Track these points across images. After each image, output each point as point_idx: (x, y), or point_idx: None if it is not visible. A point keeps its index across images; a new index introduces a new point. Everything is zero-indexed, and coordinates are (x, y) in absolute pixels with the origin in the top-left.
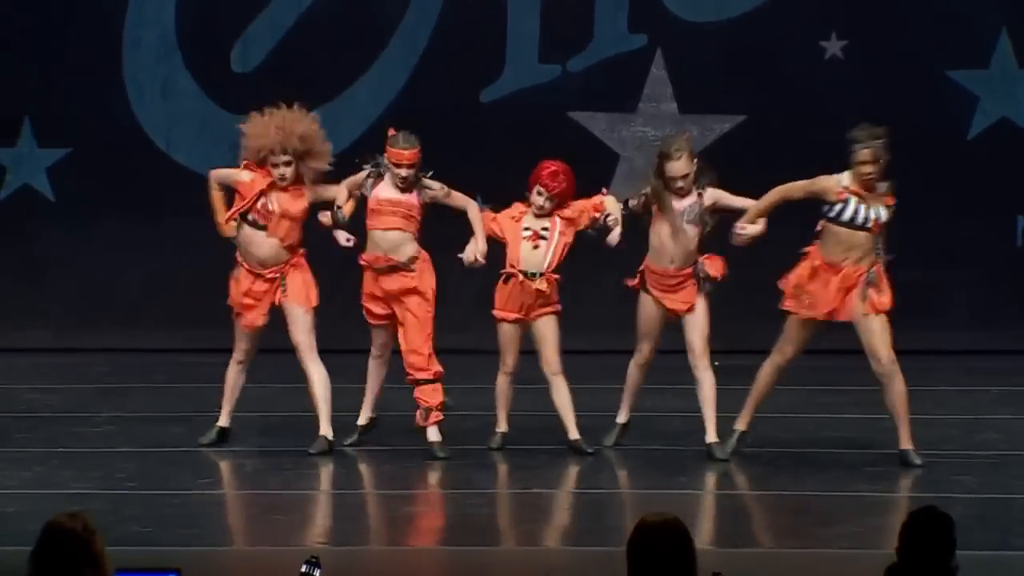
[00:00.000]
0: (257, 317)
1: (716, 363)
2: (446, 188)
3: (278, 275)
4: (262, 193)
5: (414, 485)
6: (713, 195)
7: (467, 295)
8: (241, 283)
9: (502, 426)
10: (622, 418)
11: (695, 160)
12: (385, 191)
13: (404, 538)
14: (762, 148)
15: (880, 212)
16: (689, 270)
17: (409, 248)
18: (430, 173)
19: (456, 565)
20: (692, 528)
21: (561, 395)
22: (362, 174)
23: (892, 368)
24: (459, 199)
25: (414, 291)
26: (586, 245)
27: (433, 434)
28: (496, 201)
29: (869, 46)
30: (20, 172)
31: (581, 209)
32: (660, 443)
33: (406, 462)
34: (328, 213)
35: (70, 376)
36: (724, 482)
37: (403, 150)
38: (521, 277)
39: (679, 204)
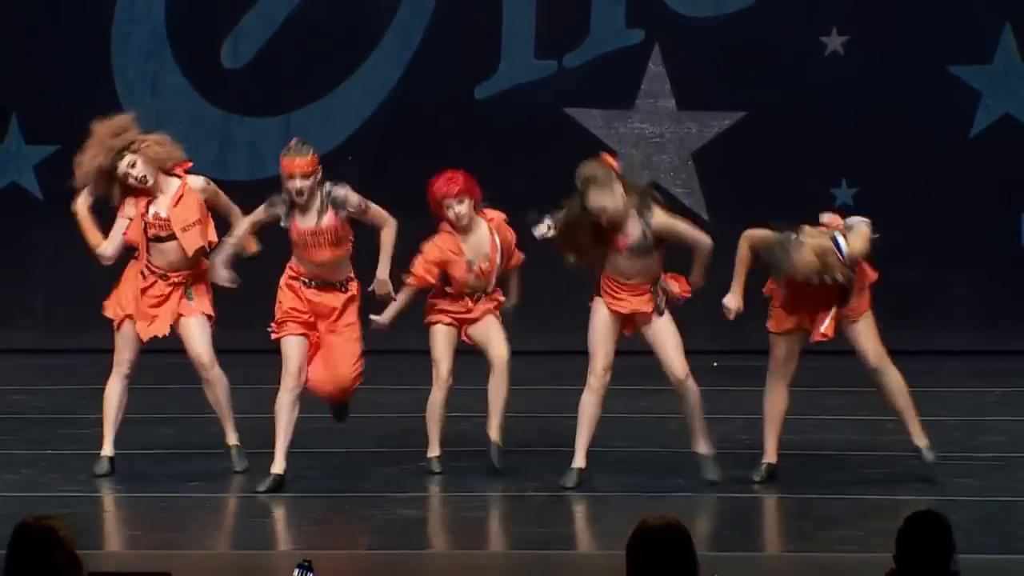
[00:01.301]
0: (160, 327)
1: (715, 363)
2: (365, 203)
3: (184, 280)
4: (148, 206)
5: (409, 488)
6: (662, 223)
7: None
8: (136, 283)
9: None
10: (579, 463)
11: (628, 187)
12: (305, 220)
13: (398, 542)
14: (762, 145)
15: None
16: (648, 285)
17: (344, 269)
18: (331, 186)
19: (452, 568)
20: (691, 531)
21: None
22: (262, 209)
23: (881, 363)
24: (378, 216)
25: (351, 317)
26: None
27: None
28: (491, 198)
29: (870, 41)
30: (7, 170)
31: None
32: (657, 445)
33: (402, 465)
34: None
35: (58, 377)
36: (723, 485)
37: (294, 158)
38: (469, 301)
39: (624, 239)
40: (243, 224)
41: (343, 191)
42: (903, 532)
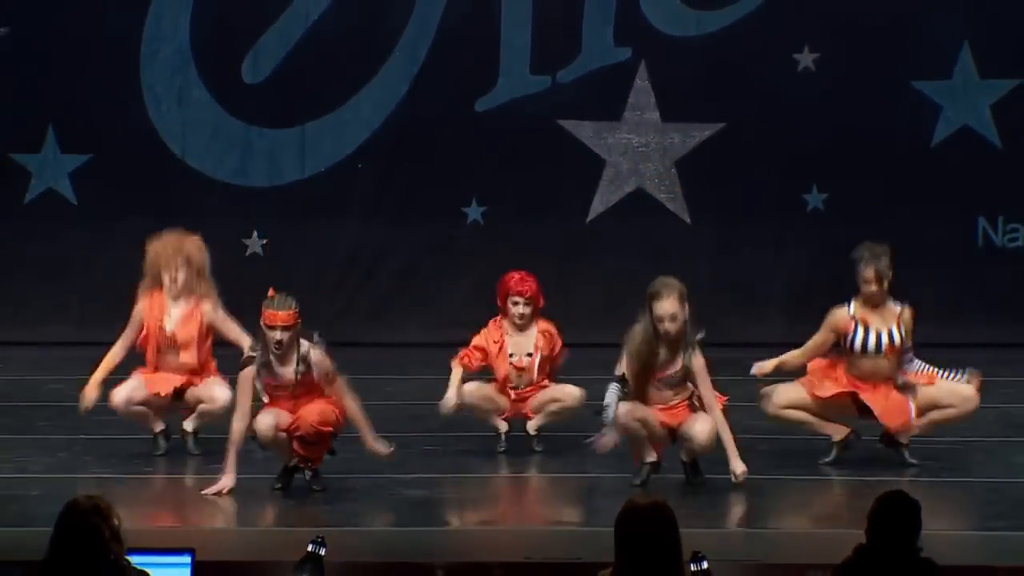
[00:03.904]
0: (165, 386)
1: None
2: (334, 374)
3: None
4: (161, 318)
5: (414, 470)
6: (699, 367)
7: (463, 291)
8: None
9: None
10: (651, 456)
11: (686, 307)
12: (281, 372)
13: (406, 519)
14: (740, 153)
15: (893, 334)
16: (685, 402)
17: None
18: (315, 335)
19: (450, 543)
20: (675, 510)
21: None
22: (246, 386)
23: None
24: (340, 390)
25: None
26: (569, 238)
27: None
28: (490, 204)
29: (839, 59)
30: (45, 176)
31: (558, 345)
32: None
33: (408, 448)
34: None
35: (92, 368)
36: (704, 467)
37: (277, 311)
38: (513, 395)
39: (662, 372)
40: (238, 420)
41: (318, 355)
42: (875, 510)
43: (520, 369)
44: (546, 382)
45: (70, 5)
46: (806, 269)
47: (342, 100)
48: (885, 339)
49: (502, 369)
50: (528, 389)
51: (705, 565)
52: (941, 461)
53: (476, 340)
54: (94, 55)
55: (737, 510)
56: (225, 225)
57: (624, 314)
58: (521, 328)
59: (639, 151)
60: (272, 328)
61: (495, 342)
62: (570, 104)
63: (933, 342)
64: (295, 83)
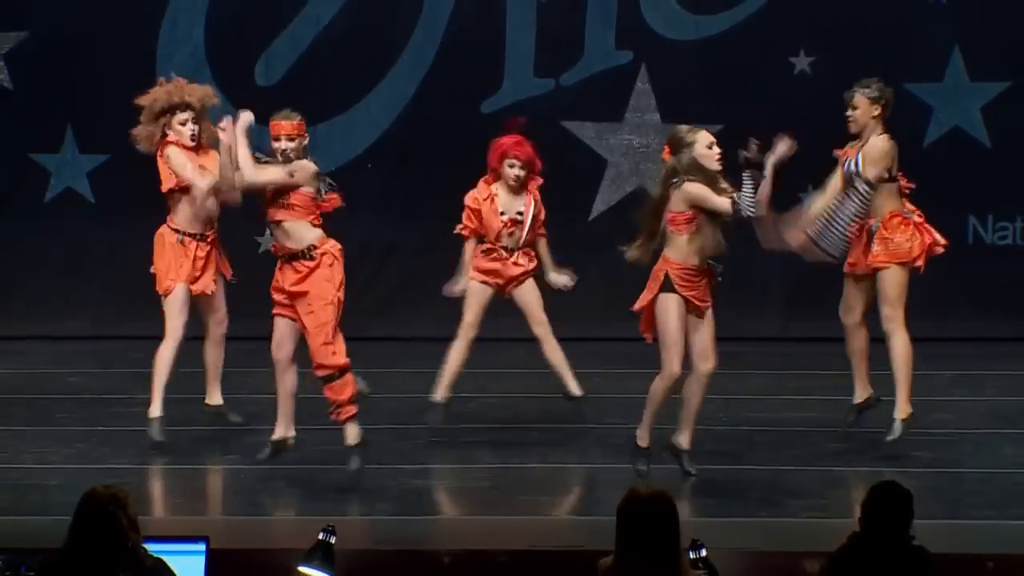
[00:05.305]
0: (208, 283)
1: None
2: (297, 166)
3: (217, 237)
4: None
5: (421, 461)
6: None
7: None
8: (178, 252)
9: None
10: (644, 443)
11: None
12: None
13: (410, 508)
14: (738, 154)
15: (849, 163)
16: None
17: (308, 236)
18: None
19: (456, 532)
20: (675, 499)
21: (555, 353)
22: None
23: (888, 326)
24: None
25: (310, 288)
26: (571, 235)
27: (351, 435)
28: None
29: (834, 61)
30: (63, 176)
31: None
32: None
33: (415, 440)
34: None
35: (108, 361)
36: (703, 458)
37: (280, 121)
38: (503, 253)
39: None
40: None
41: (303, 160)
42: (869, 500)
43: (514, 224)
44: (532, 255)
45: (88, 9)
46: (802, 265)
47: (352, 102)
48: (846, 168)
49: (493, 226)
50: (516, 263)
51: (704, 552)
52: (931, 452)
53: (468, 201)
54: (111, 58)
55: (734, 499)
56: (238, 223)
57: (625, 311)
58: (515, 191)
59: (640, 151)
60: (277, 139)
61: (485, 199)
62: (573, 106)
63: (925, 336)
64: (306, 85)
